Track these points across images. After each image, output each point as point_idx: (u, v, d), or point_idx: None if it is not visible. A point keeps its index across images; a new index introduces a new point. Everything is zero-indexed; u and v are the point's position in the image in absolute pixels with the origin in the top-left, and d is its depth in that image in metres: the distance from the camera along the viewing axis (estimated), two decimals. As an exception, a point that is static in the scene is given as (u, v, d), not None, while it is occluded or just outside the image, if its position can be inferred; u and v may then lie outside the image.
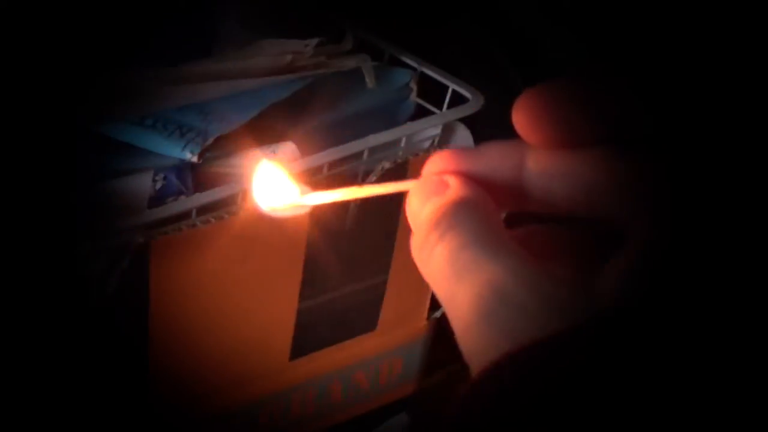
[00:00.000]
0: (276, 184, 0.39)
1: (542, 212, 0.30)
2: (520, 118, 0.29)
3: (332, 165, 0.45)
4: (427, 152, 0.46)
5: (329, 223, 0.44)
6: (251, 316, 0.45)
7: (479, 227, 0.29)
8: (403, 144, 0.47)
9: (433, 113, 0.50)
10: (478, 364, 0.26)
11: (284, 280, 0.45)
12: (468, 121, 0.50)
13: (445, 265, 0.28)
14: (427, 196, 0.30)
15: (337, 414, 0.53)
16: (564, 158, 0.29)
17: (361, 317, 0.49)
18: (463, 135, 0.51)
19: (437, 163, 0.31)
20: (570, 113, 0.28)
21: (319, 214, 0.44)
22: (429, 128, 0.49)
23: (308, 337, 0.48)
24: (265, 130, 0.46)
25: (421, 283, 0.46)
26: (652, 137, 0.27)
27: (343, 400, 0.53)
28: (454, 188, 0.30)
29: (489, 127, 0.49)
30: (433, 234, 0.29)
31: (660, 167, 0.27)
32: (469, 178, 0.31)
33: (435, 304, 0.52)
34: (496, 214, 0.30)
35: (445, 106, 0.50)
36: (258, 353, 0.47)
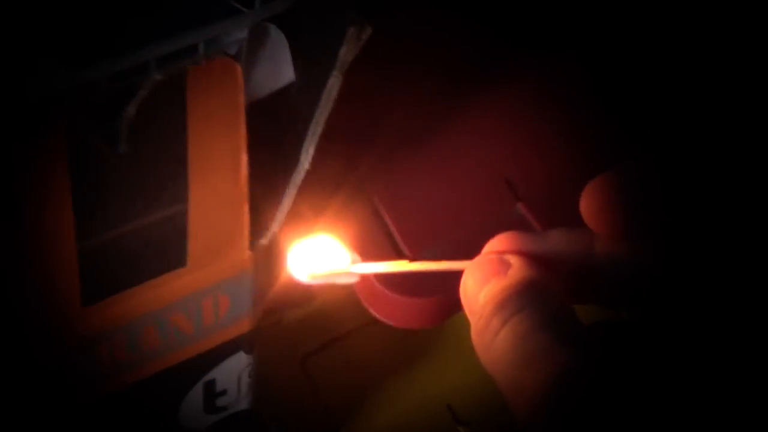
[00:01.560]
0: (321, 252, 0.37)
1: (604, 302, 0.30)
2: (588, 206, 0.29)
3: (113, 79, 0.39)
4: (211, 59, 0.41)
5: (97, 148, 0.39)
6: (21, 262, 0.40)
7: (549, 310, 0.27)
8: (201, 51, 0.41)
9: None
10: None
11: (51, 215, 0.39)
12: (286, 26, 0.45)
13: (511, 351, 0.26)
14: (487, 278, 0.29)
15: (160, 360, 0.48)
16: (632, 248, 0.28)
17: (164, 253, 0.44)
18: (277, 39, 0.45)
19: (497, 244, 0.31)
20: (636, 206, 0.28)
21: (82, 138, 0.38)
22: (233, 31, 0.43)
23: (101, 280, 0.43)
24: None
25: (234, 212, 0.40)
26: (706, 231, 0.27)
27: (164, 346, 0.48)
28: (518, 268, 0.29)
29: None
30: (497, 318, 0.27)
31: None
32: (533, 260, 0.29)
33: (257, 231, 0.47)
34: (564, 298, 0.28)
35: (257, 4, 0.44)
36: (44, 300, 0.42)
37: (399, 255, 0.56)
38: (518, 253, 0.30)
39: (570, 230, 0.31)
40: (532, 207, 0.58)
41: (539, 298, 0.28)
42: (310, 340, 0.71)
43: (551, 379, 0.25)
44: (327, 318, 0.70)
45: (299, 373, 0.69)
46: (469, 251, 0.57)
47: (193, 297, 0.46)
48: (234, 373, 0.51)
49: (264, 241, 0.47)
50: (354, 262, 0.37)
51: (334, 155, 0.56)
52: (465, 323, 0.74)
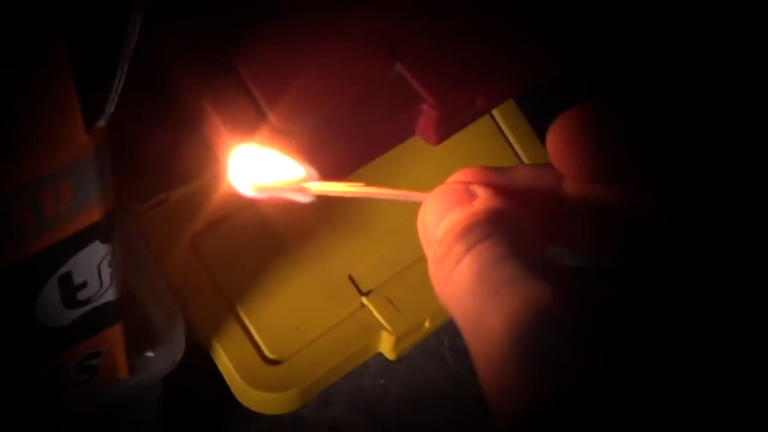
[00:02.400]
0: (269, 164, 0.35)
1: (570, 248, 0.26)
2: (553, 142, 0.26)
3: None
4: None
5: None
6: None
7: (519, 241, 0.24)
8: None
9: None
10: (511, 398, 0.21)
11: None
12: None
13: (474, 281, 0.24)
14: (449, 207, 0.26)
15: (2, 258, 0.44)
16: (610, 192, 0.25)
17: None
18: None
19: (459, 176, 0.28)
20: (614, 142, 0.25)
21: None
22: None
23: None
24: None
25: (59, 95, 0.36)
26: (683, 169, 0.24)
27: (5, 242, 0.44)
28: (486, 198, 0.26)
29: None
30: (460, 245, 0.25)
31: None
32: (500, 193, 0.26)
33: (91, 116, 0.43)
34: (534, 230, 0.26)
35: None
36: None
37: (268, 126, 0.52)
38: (483, 184, 0.27)
39: (540, 166, 0.27)
40: (412, 67, 0.54)
41: (508, 227, 0.25)
42: (199, 219, 0.67)
43: (519, 313, 0.22)
44: (215, 194, 0.66)
45: (189, 252, 0.66)
46: (346, 117, 0.53)
47: (28, 187, 0.42)
48: (92, 264, 0.48)
49: (102, 123, 0.43)
50: (310, 178, 0.33)
51: (195, 28, 0.52)
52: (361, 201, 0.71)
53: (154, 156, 0.65)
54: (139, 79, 0.56)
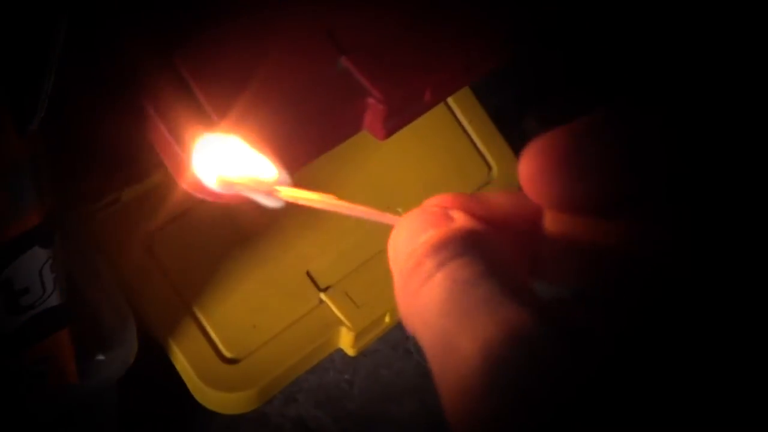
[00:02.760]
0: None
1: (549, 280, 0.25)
2: (525, 175, 0.23)
3: None
4: None
5: None
6: None
7: (496, 260, 0.22)
8: None
9: None
10: (480, 428, 0.19)
11: None
12: None
13: (445, 300, 0.21)
14: (424, 228, 0.24)
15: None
16: (581, 227, 0.23)
17: None
18: None
19: (434, 201, 0.25)
20: (584, 175, 0.23)
21: None
22: None
23: None
24: None
25: None
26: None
27: (-62, 250, 0.43)
28: (462, 220, 0.24)
29: None
30: (431, 260, 0.22)
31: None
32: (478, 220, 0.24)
33: (22, 120, 0.42)
34: (511, 253, 0.23)
35: None
36: None
37: (210, 126, 0.51)
38: (462, 211, 0.25)
39: (520, 194, 0.25)
40: (357, 60, 0.53)
41: (486, 246, 0.23)
42: (152, 217, 0.66)
43: (494, 336, 0.20)
44: (169, 193, 0.66)
45: (143, 252, 0.65)
46: (291, 113, 0.52)
47: (-41, 195, 0.42)
48: (33, 269, 0.47)
49: (34, 126, 0.42)
50: (282, 182, 0.32)
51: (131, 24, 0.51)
52: (315, 180, 0.70)
53: (105, 155, 0.64)
54: (86, 76, 0.55)
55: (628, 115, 0.23)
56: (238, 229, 0.67)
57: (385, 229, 0.73)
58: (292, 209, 0.70)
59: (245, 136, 0.34)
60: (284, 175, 0.32)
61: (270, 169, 0.34)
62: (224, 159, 0.34)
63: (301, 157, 0.54)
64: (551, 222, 0.25)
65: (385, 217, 0.28)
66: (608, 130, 0.23)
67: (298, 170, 0.53)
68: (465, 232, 0.24)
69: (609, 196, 0.23)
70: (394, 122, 0.54)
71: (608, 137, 0.23)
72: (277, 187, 0.31)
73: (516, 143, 0.79)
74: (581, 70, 0.90)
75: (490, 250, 0.24)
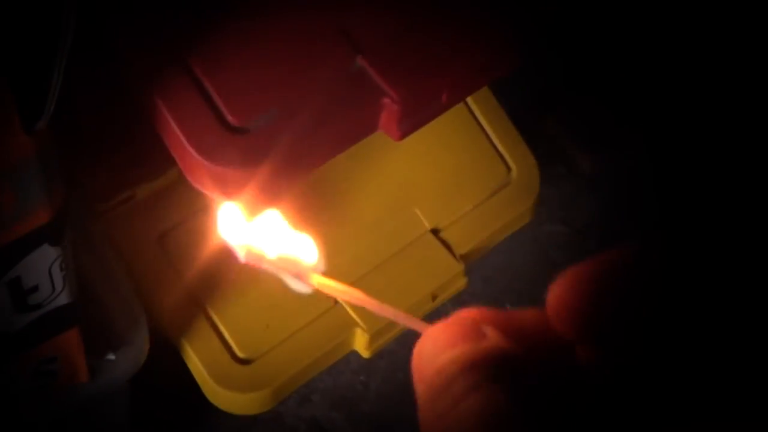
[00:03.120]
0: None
1: None
2: (551, 307, 0.24)
3: None
4: None
5: None
6: None
7: (528, 385, 0.22)
8: None
9: None
10: None
11: None
12: None
13: (476, 426, 0.21)
14: (453, 341, 0.23)
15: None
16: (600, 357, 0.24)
17: None
18: None
19: (465, 314, 0.25)
20: (601, 314, 0.23)
21: None
22: None
23: None
24: None
25: None
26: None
27: (-55, 247, 0.43)
28: (497, 339, 0.23)
29: None
30: (461, 382, 0.22)
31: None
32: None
33: (30, 118, 0.41)
34: (542, 376, 0.23)
35: None
36: None
37: (223, 125, 0.51)
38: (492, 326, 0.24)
39: (542, 313, 0.25)
40: (374, 60, 0.53)
41: (519, 371, 0.23)
42: (166, 216, 0.66)
43: None
44: (184, 191, 0.65)
45: (157, 250, 0.65)
46: (306, 113, 0.51)
47: (-35, 192, 0.41)
48: (42, 267, 0.47)
49: (42, 124, 0.41)
50: (316, 269, 0.30)
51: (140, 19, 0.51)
52: (330, 181, 0.69)
53: (119, 152, 0.64)
54: (98, 74, 0.55)
55: (653, 263, 0.24)
56: (252, 229, 0.67)
57: (402, 228, 0.72)
58: (310, 209, 0.69)
59: (286, 212, 0.33)
60: (321, 262, 0.31)
61: (304, 251, 0.32)
62: (257, 228, 0.33)
63: (315, 157, 0.53)
64: (579, 351, 0.25)
65: (415, 323, 0.27)
66: (636, 278, 0.24)
67: (313, 170, 0.52)
68: (499, 354, 0.23)
69: (622, 338, 0.24)
70: (409, 123, 0.53)
71: (635, 286, 0.24)
72: (312, 273, 0.30)
73: (536, 144, 0.78)
74: (598, 70, 0.89)
75: (523, 375, 0.23)
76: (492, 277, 0.88)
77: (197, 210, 0.65)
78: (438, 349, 0.24)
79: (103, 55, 0.53)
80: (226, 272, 0.65)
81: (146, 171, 0.64)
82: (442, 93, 0.53)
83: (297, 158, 0.52)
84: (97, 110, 0.59)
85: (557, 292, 0.24)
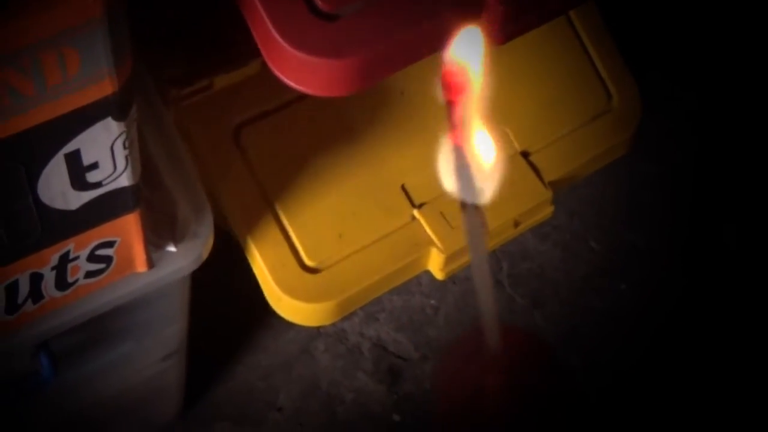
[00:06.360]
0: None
1: None
2: None
3: None
4: None
5: None
6: None
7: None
8: None
9: None
10: None
11: None
12: None
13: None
14: None
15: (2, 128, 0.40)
16: None
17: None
18: None
19: None
20: None
21: None
22: None
23: None
24: None
25: None
26: None
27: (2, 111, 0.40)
28: None
29: None
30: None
31: None
32: None
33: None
34: None
35: None
36: None
37: (309, 6, 0.47)
38: None
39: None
40: (480, -47, 0.48)
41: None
42: (244, 109, 0.62)
43: None
44: (263, 84, 0.61)
45: (231, 144, 0.61)
46: (402, 6, 0.47)
47: (26, 50, 0.38)
48: (103, 143, 0.43)
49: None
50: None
51: None
52: (420, 89, 0.65)
53: (199, 36, 0.60)
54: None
55: None
56: (334, 133, 0.63)
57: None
58: (393, 118, 0.65)
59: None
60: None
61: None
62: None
63: (405, 54, 0.49)
64: None
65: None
66: None
67: (400, 68, 0.48)
68: None
69: None
70: (514, 27, 0.49)
71: None
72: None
73: (638, 76, 0.72)
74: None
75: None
76: (578, 211, 0.84)
77: (277, 107, 0.62)
78: None
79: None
80: (302, 174, 0.62)
81: (226, 59, 0.61)
82: (552, -4, 0.48)
83: (384, 53, 0.48)
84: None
85: None
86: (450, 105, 0.28)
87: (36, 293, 0.48)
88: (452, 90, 0.29)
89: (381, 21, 0.47)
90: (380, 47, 0.48)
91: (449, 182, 0.29)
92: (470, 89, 0.28)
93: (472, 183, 0.29)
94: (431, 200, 0.64)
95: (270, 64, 0.47)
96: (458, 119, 0.28)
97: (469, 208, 0.29)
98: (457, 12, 0.48)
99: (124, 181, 0.46)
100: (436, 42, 0.50)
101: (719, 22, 0.89)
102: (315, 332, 0.75)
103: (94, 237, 0.48)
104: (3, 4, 0.36)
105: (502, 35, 0.49)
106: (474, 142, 0.29)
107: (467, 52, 0.28)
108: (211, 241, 0.54)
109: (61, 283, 0.49)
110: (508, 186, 0.67)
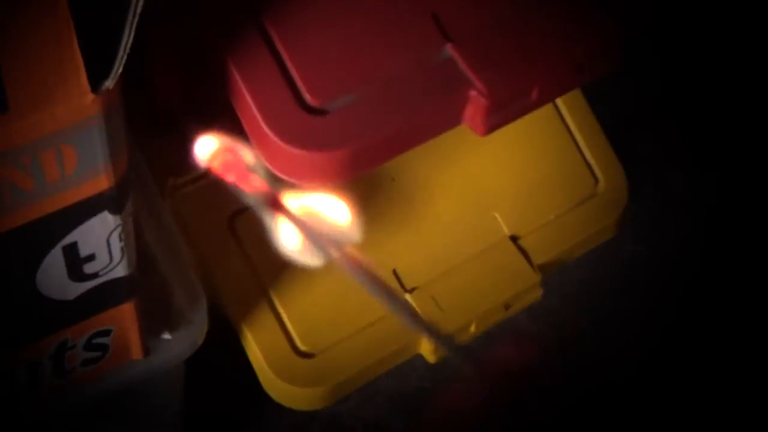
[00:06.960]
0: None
1: None
2: None
3: None
4: None
5: None
6: None
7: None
8: None
9: None
10: None
11: None
12: None
13: None
14: None
15: (4, 222, 0.42)
16: None
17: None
18: None
19: None
20: None
21: None
22: None
23: None
24: None
25: (60, 49, 0.33)
26: None
27: (3, 206, 0.41)
28: None
29: None
30: None
31: None
32: None
33: (97, 76, 0.40)
34: None
35: None
36: None
37: (298, 101, 0.49)
38: None
39: None
40: (463, 49, 0.50)
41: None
42: (238, 198, 0.64)
43: None
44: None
45: (226, 232, 0.63)
46: (387, 98, 0.49)
47: (26, 149, 0.39)
48: (100, 235, 0.45)
49: (110, 84, 0.40)
50: (347, 236, 0.29)
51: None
52: (410, 176, 0.67)
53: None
54: (178, 38, 0.53)
55: None
56: (325, 219, 0.64)
57: (480, 232, 0.69)
58: (383, 205, 0.67)
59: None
60: (354, 230, 0.29)
61: (336, 213, 0.31)
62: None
63: (392, 146, 0.51)
64: None
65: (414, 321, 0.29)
66: None
67: (387, 160, 0.50)
68: None
69: None
70: (496, 118, 0.50)
71: None
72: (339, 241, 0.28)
73: (624, 160, 0.74)
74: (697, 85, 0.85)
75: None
76: (568, 293, 0.85)
77: (270, 194, 0.63)
78: None
79: (179, 15, 0.52)
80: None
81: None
82: (533, 89, 0.50)
83: (372, 146, 0.50)
84: (173, 80, 0.57)
85: None
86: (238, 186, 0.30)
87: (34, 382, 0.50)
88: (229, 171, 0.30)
89: (369, 115, 0.49)
90: (369, 140, 0.49)
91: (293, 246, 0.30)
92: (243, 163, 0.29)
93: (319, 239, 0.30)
94: (422, 285, 0.65)
95: (261, 157, 0.49)
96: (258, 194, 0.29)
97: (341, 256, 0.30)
98: (441, 105, 0.50)
99: (120, 271, 0.47)
100: (424, 133, 0.52)
101: (706, 104, 0.91)
102: (309, 416, 0.75)
103: (90, 326, 0.49)
104: (4, 106, 0.38)
105: (485, 127, 0.50)
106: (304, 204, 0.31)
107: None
108: (205, 328, 0.55)
109: (59, 372, 0.50)
110: (498, 269, 0.69)
